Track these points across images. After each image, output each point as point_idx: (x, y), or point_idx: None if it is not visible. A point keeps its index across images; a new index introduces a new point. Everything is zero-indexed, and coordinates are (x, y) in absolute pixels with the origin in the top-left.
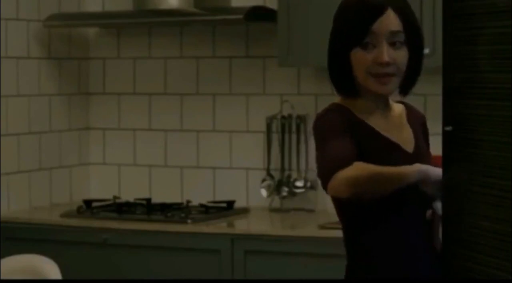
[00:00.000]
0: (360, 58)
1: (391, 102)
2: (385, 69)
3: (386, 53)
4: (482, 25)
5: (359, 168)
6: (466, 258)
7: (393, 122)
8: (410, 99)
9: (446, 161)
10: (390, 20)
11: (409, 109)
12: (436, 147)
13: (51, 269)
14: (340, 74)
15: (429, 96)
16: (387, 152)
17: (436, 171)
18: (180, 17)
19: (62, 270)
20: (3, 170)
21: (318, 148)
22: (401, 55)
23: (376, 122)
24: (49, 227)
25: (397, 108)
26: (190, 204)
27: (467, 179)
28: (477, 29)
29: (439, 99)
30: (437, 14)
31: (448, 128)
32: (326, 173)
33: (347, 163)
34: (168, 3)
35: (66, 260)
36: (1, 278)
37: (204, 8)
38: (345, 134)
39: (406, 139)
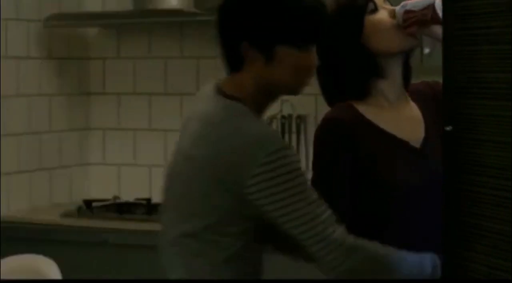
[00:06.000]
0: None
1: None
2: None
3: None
4: (482, 25)
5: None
6: (466, 258)
7: (405, 116)
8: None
9: (446, 161)
10: None
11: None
12: None
13: (51, 269)
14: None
15: None
16: (393, 151)
17: None
18: (180, 17)
19: (62, 270)
20: (3, 170)
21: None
22: None
23: (385, 118)
24: (49, 227)
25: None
26: None
27: (467, 179)
28: (477, 29)
29: None
30: None
31: (448, 128)
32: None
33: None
34: (168, 3)
35: (66, 260)
36: (1, 278)
37: (204, 8)
38: (337, 168)
39: (416, 132)
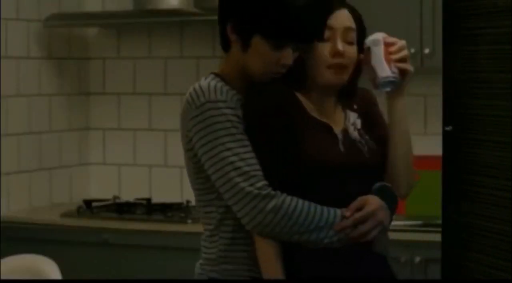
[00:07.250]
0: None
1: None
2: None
3: (341, 44)
4: (482, 25)
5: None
6: (466, 258)
7: (329, 116)
8: (410, 99)
9: (446, 161)
10: (345, 17)
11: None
12: (436, 147)
13: (51, 269)
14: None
15: (429, 96)
16: (318, 131)
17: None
18: (180, 17)
19: (62, 270)
20: (3, 170)
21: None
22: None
23: (313, 108)
24: (49, 227)
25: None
26: (190, 204)
27: (467, 179)
28: (477, 29)
29: (439, 99)
30: (437, 14)
31: (448, 128)
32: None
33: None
34: (168, 3)
35: (66, 260)
36: (1, 278)
37: (204, 8)
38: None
39: (336, 122)
